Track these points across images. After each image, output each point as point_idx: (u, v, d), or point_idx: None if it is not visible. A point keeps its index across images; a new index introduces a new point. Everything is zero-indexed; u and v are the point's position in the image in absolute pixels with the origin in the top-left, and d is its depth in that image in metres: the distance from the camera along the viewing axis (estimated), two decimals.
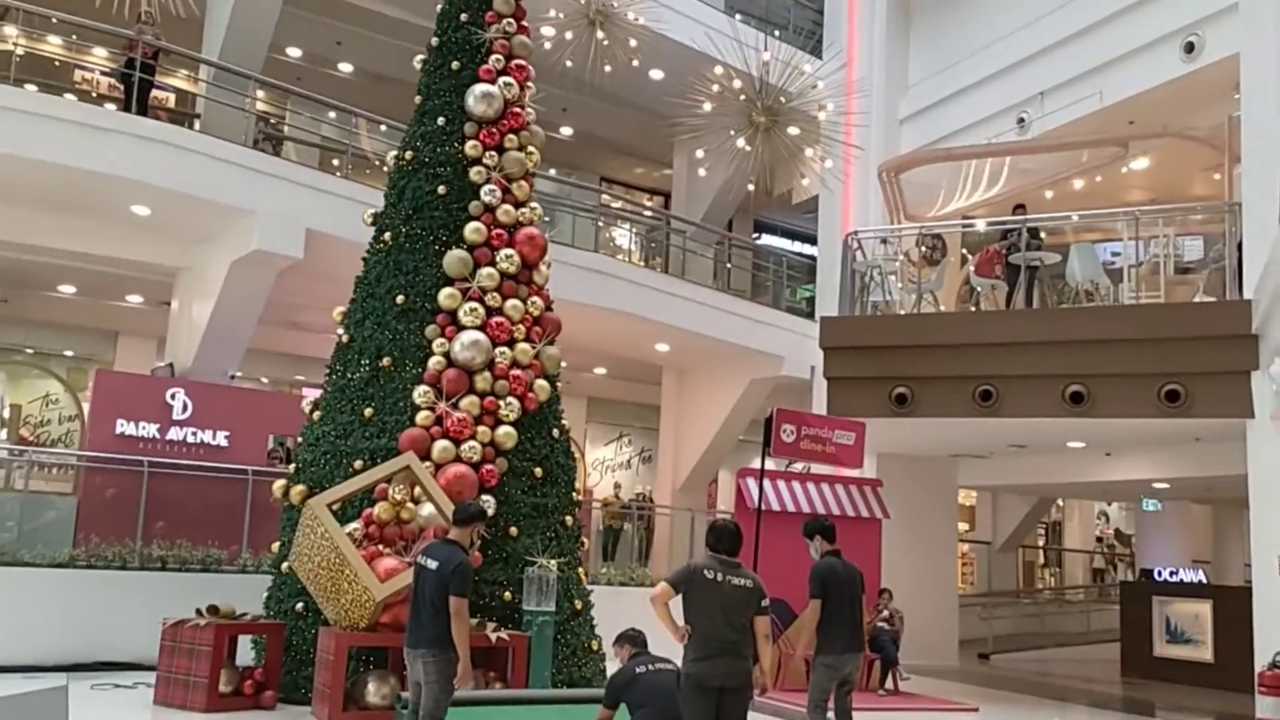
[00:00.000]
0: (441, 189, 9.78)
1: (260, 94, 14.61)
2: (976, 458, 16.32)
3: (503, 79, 10.21)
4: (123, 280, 14.82)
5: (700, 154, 10.32)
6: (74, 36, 13.47)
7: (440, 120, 9.98)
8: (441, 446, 8.93)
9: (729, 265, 19.17)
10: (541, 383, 9.67)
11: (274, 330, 15.35)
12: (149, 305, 15.83)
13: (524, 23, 10.57)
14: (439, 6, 10.43)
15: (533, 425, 9.54)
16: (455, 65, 10.20)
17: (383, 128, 14.96)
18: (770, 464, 11.41)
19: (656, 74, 16.63)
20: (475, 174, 9.86)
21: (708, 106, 9.86)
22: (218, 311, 12.67)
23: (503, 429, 9.22)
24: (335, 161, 15.15)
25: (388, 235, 9.81)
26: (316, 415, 9.59)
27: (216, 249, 12.84)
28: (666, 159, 20.82)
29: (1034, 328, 11.56)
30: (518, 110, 10.20)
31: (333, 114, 15.91)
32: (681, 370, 18.46)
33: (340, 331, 9.76)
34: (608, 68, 11.55)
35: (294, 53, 17.66)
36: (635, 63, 11.68)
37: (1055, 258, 12.43)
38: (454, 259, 9.53)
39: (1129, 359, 10.78)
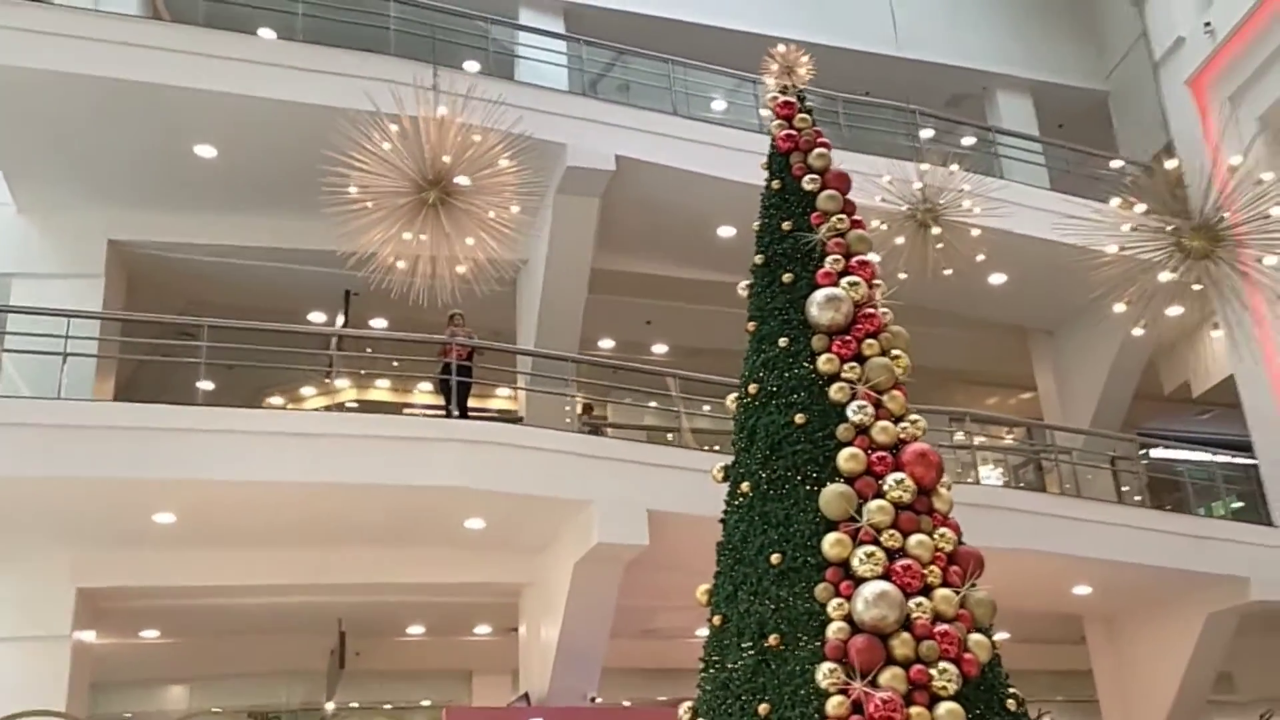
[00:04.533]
0: (799, 418, 7.90)
1: (579, 396, 14.15)
2: None
3: (846, 279, 8.64)
4: (469, 609, 14.07)
5: (1119, 308, 8.01)
6: (395, 364, 13.50)
7: (782, 341, 8.29)
8: None
9: (1126, 486, 16.24)
10: (978, 638, 7.20)
11: (627, 644, 13.90)
12: (498, 634, 14.88)
13: (856, 217, 9.20)
14: (755, 225, 9.22)
15: (979, 697, 6.97)
16: (788, 277, 8.58)
17: (706, 408, 14.18)
18: None
19: (997, 278, 14.76)
20: (836, 392, 8.00)
21: (1113, 249, 7.73)
22: (567, 624, 11.44)
23: (944, 707, 6.75)
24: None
25: (745, 485, 7.95)
26: None
27: (557, 555, 11.77)
28: (1022, 382, 18.41)
29: None
30: (871, 311, 8.51)
31: (653, 403, 15.29)
32: (1109, 619, 15.04)
33: (709, 615, 7.95)
34: (947, 271, 10.16)
35: (606, 344, 17.28)
36: (981, 257, 10.24)
37: None
38: (832, 496, 7.51)
39: None
